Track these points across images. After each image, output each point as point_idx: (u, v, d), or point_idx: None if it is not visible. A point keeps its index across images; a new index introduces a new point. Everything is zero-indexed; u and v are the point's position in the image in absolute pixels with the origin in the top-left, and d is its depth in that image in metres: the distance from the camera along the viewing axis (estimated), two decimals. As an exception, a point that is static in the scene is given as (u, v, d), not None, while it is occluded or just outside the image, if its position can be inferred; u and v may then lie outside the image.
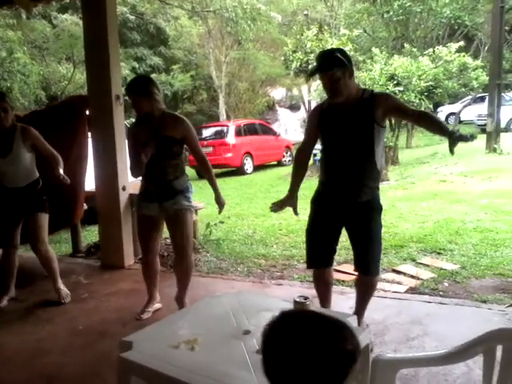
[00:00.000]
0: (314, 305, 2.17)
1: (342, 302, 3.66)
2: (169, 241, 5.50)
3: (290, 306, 2.06)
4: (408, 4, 17.40)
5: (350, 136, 2.69)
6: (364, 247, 2.86)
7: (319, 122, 2.85)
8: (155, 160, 3.08)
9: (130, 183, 4.94)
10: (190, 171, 3.79)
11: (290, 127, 28.10)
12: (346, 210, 2.83)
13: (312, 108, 3.03)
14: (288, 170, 13.48)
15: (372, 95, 2.71)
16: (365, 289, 2.99)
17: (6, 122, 3.45)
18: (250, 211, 7.79)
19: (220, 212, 3.43)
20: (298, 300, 1.99)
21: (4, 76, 14.01)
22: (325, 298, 3.08)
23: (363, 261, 2.89)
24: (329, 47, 12.63)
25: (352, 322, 2.11)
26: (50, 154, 3.56)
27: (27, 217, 3.65)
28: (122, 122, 4.67)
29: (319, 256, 2.97)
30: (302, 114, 29.99)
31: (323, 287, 3.08)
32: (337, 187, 2.82)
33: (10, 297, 3.85)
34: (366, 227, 2.82)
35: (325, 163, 2.91)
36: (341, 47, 2.95)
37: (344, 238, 5.54)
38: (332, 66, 2.60)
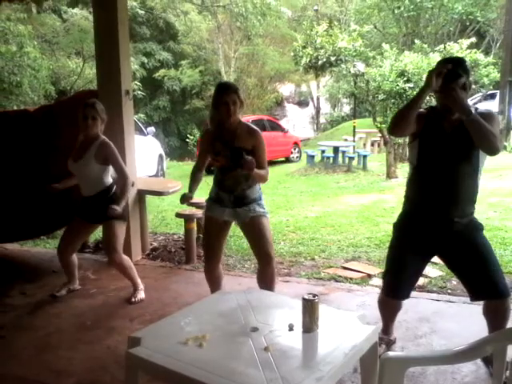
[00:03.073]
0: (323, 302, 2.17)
1: (350, 300, 3.67)
2: (176, 236, 5.54)
3: (298, 303, 2.06)
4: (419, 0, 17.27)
5: (456, 154, 2.45)
6: (482, 268, 2.50)
7: (422, 131, 2.53)
8: (227, 170, 3.04)
9: (139, 179, 4.95)
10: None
11: (299, 123, 28.07)
12: (442, 235, 2.56)
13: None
14: (296, 167, 13.53)
15: (477, 113, 2.40)
16: (501, 316, 2.52)
17: (91, 130, 3.54)
18: (258, 207, 7.78)
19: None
20: (306, 297, 1.98)
21: (14, 70, 14.05)
22: (390, 321, 2.93)
23: (488, 283, 2.50)
24: (339, 43, 12.55)
25: (360, 320, 2.10)
26: (118, 172, 3.61)
27: (102, 224, 3.72)
28: (131, 117, 4.67)
29: (404, 288, 2.71)
30: (311, 110, 29.96)
31: (392, 311, 2.90)
32: (434, 209, 2.53)
33: (69, 288, 3.95)
34: (473, 248, 2.53)
35: (420, 181, 2.59)
36: (461, 56, 2.71)
37: (352, 235, 5.53)
38: (459, 74, 2.37)
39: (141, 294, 3.80)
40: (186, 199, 3.16)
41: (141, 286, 3.86)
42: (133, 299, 3.74)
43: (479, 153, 2.44)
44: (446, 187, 2.47)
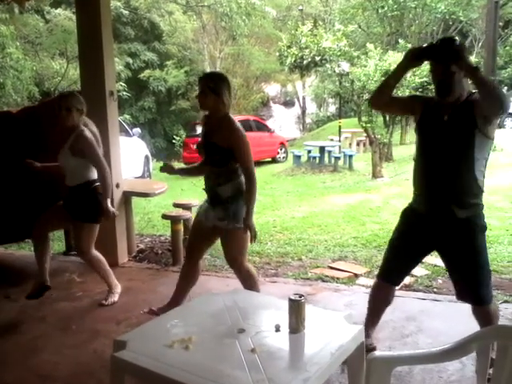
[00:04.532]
0: (309, 303, 2.18)
1: (337, 300, 3.68)
2: (163, 238, 5.52)
3: (284, 304, 2.06)
4: (402, -1, 17.43)
5: (449, 142, 2.40)
6: (470, 274, 2.49)
7: (421, 120, 2.54)
8: (204, 165, 3.03)
9: (125, 180, 4.92)
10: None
11: (285, 124, 28.10)
12: (441, 228, 2.52)
13: (417, 94, 2.73)
14: (282, 167, 13.55)
15: (474, 97, 2.37)
16: (486, 320, 2.53)
17: (68, 121, 3.47)
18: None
19: (251, 240, 3.03)
20: (293, 298, 1.98)
21: (-4, 71, 13.91)
22: (377, 316, 2.88)
23: (471, 290, 2.52)
24: (324, 43, 12.59)
25: (347, 319, 2.10)
26: (95, 164, 3.49)
27: (72, 222, 3.64)
28: (116, 118, 4.64)
29: (398, 273, 2.75)
30: (297, 110, 30.02)
31: (382, 303, 2.85)
32: (432, 200, 2.51)
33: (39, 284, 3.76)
34: (468, 250, 2.47)
35: (420, 172, 2.57)
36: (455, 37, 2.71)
37: (338, 235, 5.55)
38: (448, 57, 2.31)
39: (114, 297, 3.75)
40: (167, 168, 3.13)
41: (117, 289, 3.81)
42: (103, 301, 3.70)
43: (477, 138, 2.37)
44: (444, 176, 2.44)
